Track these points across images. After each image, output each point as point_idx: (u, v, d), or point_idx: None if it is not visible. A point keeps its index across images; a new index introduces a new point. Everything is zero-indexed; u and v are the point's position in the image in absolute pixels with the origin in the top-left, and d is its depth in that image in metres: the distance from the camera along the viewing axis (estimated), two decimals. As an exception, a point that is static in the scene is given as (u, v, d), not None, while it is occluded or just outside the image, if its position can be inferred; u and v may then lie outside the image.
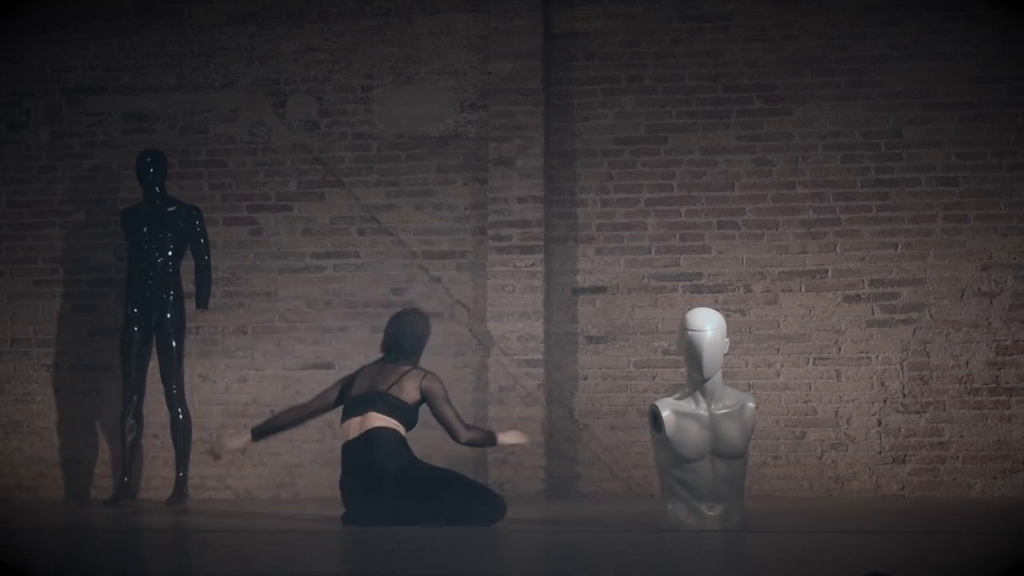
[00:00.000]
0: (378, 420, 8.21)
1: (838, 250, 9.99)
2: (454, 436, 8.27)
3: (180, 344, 9.78)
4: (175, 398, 9.74)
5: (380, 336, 8.44)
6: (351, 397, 8.36)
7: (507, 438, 8.41)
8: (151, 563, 6.51)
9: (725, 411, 7.47)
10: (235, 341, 10.40)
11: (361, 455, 8.16)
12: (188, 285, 9.89)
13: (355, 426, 8.26)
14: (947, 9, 10.00)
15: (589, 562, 6.37)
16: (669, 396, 7.57)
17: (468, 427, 8.32)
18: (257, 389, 10.35)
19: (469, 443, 8.34)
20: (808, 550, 6.77)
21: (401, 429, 8.24)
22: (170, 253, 9.78)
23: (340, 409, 8.46)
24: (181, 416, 9.74)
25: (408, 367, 8.38)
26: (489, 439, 8.37)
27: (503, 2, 10.21)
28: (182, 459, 9.73)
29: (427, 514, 8.00)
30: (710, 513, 7.44)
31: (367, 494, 8.13)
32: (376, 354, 8.63)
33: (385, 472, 8.10)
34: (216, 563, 6.45)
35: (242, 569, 6.22)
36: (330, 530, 7.70)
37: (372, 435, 8.17)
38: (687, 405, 7.46)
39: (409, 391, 8.28)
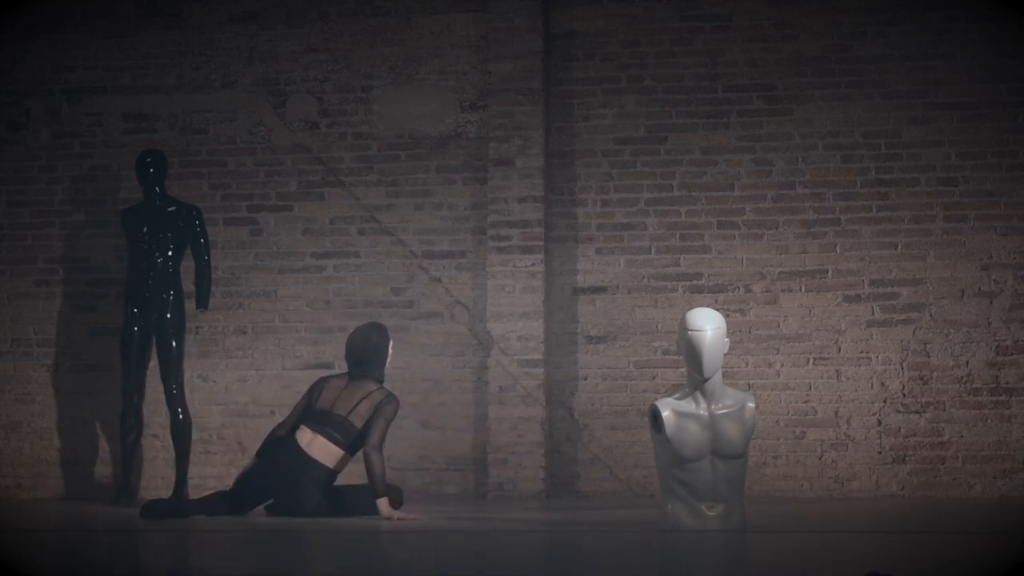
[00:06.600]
0: (323, 451, 8.52)
1: (838, 250, 9.99)
2: (364, 444, 8.45)
3: (180, 344, 9.78)
4: (175, 398, 9.73)
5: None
6: (314, 409, 8.64)
7: (383, 505, 8.33)
8: (151, 563, 6.51)
9: (725, 411, 7.47)
10: (235, 341, 10.40)
11: (287, 474, 8.47)
12: (188, 285, 9.89)
13: (306, 438, 8.56)
14: (947, 9, 10.00)
15: (589, 562, 6.37)
16: (669, 396, 7.56)
17: (379, 451, 8.38)
18: (257, 389, 10.35)
19: (366, 460, 8.36)
20: (808, 550, 6.77)
21: (339, 460, 8.54)
22: (170, 253, 9.77)
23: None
24: (181, 416, 9.73)
25: (372, 388, 8.62)
26: (377, 483, 8.31)
27: (503, 2, 10.21)
28: (182, 459, 9.73)
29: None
30: (710, 513, 7.43)
31: (279, 503, 8.55)
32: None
33: (301, 506, 8.45)
34: (216, 563, 6.45)
35: (242, 569, 6.22)
36: (330, 528, 7.70)
37: (306, 464, 8.46)
38: (687, 405, 7.45)
39: (363, 414, 8.56)
